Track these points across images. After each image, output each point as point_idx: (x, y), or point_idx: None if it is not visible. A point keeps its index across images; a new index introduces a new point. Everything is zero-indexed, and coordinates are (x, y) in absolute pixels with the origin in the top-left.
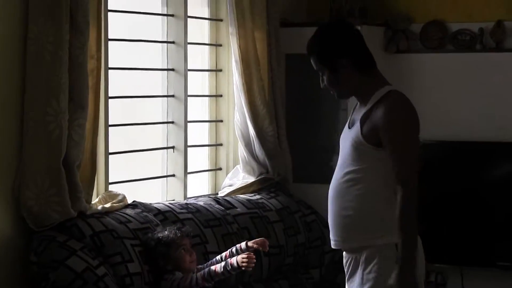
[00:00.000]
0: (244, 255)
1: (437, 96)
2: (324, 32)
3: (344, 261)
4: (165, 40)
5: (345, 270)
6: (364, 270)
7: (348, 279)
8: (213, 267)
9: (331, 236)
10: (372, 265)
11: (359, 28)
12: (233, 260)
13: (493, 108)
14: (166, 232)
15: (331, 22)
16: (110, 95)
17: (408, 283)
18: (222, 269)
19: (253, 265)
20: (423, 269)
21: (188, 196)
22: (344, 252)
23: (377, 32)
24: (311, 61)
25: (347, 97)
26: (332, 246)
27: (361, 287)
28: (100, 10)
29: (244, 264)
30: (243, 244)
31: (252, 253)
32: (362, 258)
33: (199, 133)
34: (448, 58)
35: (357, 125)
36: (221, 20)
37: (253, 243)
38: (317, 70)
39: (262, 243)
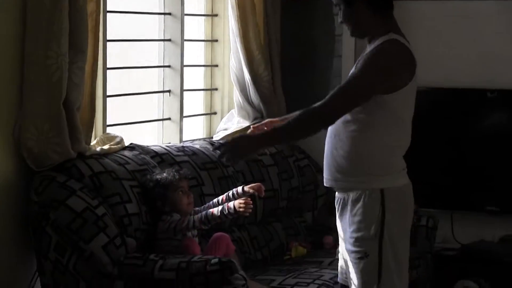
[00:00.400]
0: (241, 200)
1: (429, 43)
2: None
3: (336, 199)
4: None
5: (336, 207)
6: (351, 212)
7: (339, 217)
8: (210, 211)
9: (324, 174)
10: (357, 208)
11: None
12: (231, 205)
13: (485, 55)
14: (164, 174)
15: None
16: (108, 38)
17: (245, 147)
18: (219, 213)
19: (250, 210)
20: (412, 213)
21: (183, 139)
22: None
23: None
24: None
25: (359, 36)
26: (324, 184)
27: (349, 228)
28: None
29: (241, 209)
30: (239, 189)
31: (249, 199)
32: (350, 200)
33: (194, 78)
34: (440, 5)
35: (353, 69)
36: None
37: (249, 188)
38: (335, 4)
39: (258, 188)
